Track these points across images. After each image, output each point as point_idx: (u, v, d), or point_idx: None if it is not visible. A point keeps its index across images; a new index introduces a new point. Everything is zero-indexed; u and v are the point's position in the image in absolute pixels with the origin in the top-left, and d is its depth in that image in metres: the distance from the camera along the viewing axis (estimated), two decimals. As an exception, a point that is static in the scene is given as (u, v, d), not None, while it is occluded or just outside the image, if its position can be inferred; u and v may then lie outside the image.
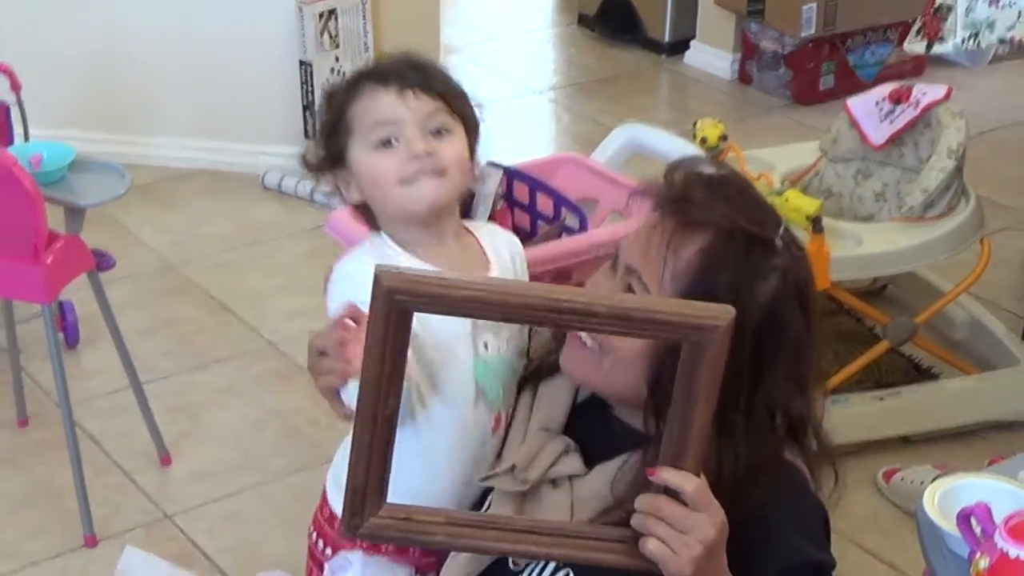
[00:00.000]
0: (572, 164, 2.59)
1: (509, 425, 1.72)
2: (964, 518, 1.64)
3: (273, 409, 3.37)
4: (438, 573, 1.70)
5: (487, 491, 1.68)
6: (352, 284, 1.60)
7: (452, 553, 1.64)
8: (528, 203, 2.44)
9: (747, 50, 5.42)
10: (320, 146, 1.74)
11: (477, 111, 1.74)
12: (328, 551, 1.82)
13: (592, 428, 1.66)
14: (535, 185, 2.43)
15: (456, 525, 1.43)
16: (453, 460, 1.69)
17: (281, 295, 3.84)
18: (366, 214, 1.74)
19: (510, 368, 1.72)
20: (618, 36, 5.81)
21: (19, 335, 3.23)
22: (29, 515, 3.01)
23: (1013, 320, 3.68)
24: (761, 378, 1.52)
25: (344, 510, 1.39)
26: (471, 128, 1.72)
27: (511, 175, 2.44)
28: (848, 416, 3.15)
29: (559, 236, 2.37)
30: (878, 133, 3.32)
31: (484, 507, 1.67)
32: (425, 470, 1.68)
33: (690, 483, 1.36)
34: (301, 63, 4.39)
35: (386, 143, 1.66)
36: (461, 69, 5.47)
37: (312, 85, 4.39)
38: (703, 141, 3.22)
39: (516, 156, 2.50)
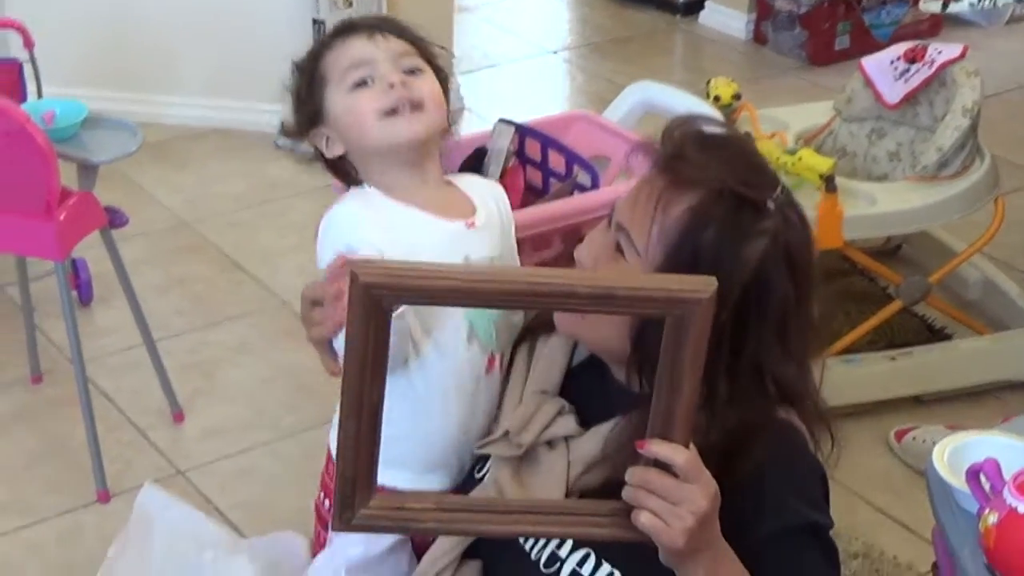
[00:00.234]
0: (584, 121, 2.58)
1: (506, 379, 1.72)
2: (973, 474, 1.64)
3: (285, 367, 3.38)
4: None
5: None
6: (340, 231, 1.63)
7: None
8: (540, 160, 2.43)
9: (762, 10, 5.40)
10: (296, 110, 1.76)
11: (447, 67, 1.76)
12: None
13: (589, 390, 1.65)
14: (547, 142, 2.42)
15: (447, 510, 1.42)
16: (448, 402, 1.68)
17: (294, 253, 3.84)
18: (347, 172, 1.75)
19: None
20: (632, -4, 5.79)
21: (33, 292, 3.24)
22: (43, 471, 3.03)
23: (1027, 280, 3.67)
24: (745, 342, 1.51)
25: (335, 504, 1.38)
26: (442, 79, 1.74)
27: (523, 132, 2.42)
28: (860, 376, 3.16)
29: (571, 193, 2.36)
30: (893, 92, 3.31)
31: (485, 467, 1.67)
32: (418, 416, 1.67)
33: (680, 455, 1.36)
34: (315, 21, 4.38)
35: (361, 84, 1.68)
36: (475, 28, 5.51)
37: (325, 44, 4.37)
38: (716, 99, 3.22)
39: (530, 115, 2.49)
